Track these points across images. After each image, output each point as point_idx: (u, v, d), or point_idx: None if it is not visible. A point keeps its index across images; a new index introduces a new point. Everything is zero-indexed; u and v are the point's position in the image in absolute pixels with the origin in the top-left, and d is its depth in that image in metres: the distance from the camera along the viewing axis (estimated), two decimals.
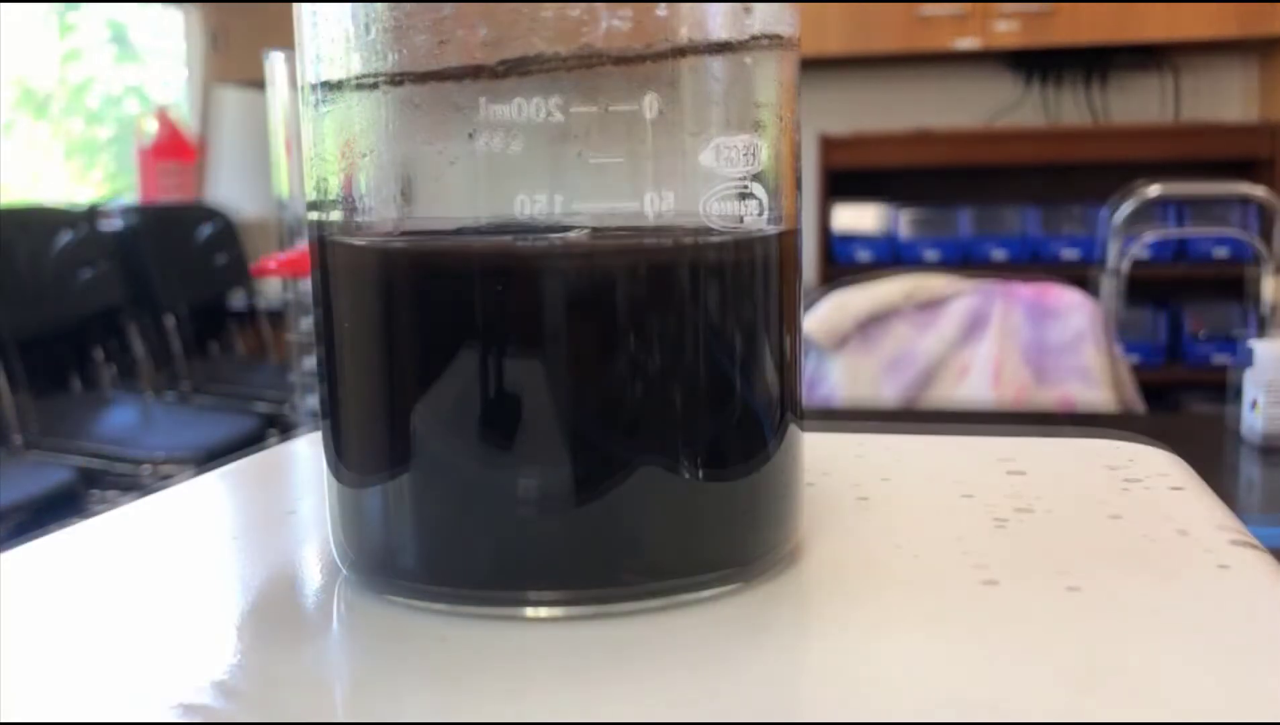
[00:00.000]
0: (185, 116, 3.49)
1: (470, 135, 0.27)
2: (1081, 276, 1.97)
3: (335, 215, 0.29)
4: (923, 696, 0.24)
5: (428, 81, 0.27)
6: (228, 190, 3.42)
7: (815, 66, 2.99)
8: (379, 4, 0.27)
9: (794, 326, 0.31)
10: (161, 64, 3.61)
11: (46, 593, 0.32)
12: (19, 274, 2.38)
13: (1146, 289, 2.64)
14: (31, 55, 3.52)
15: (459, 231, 0.28)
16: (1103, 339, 1.52)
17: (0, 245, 2.35)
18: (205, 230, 2.96)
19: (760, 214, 0.29)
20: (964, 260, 2.78)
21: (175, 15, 3.51)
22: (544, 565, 0.28)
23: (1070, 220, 2.80)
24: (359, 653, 0.27)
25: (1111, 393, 1.50)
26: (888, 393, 1.56)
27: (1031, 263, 2.77)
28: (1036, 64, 3.05)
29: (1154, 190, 1.58)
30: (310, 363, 1.12)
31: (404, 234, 0.28)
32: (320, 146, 0.29)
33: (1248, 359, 1.08)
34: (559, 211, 0.27)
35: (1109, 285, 1.59)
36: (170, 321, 2.75)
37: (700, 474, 0.28)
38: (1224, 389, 2.69)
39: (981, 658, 0.26)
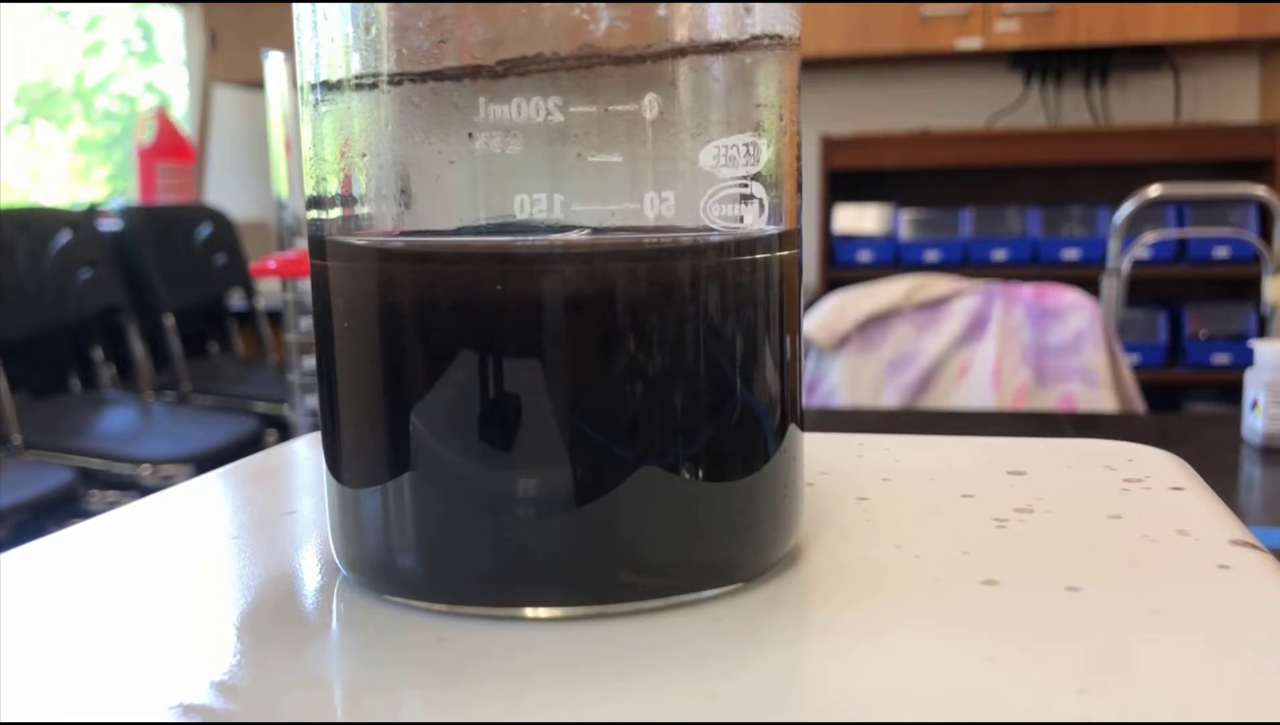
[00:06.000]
0: (184, 116, 3.49)
1: (470, 135, 0.27)
2: (1083, 277, 1.97)
3: (334, 215, 0.29)
4: (923, 697, 0.24)
5: (427, 81, 0.27)
6: (226, 191, 3.42)
7: (816, 66, 2.99)
8: (379, 4, 0.27)
9: (794, 327, 0.31)
10: (176, 65, 3.60)
11: (46, 593, 0.32)
12: (18, 274, 2.38)
13: (1148, 289, 2.64)
14: (43, 52, 3.51)
15: (459, 231, 0.28)
16: (1103, 339, 1.52)
17: None
18: (204, 230, 2.96)
19: (760, 214, 0.29)
20: (965, 261, 2.78)
21: (175, 15, 3.51)
22: (544, 566, 0.28)
23: (1071, 221, 2.80)
24: (358, 653, 0.27)
25: (1112, 393, 1.50)
26: (888, 393, 1.56)
27: (1032, 264, 2.77)
28: (1038, 64, 3.05)
29: (1155, 191, 1.58)
30: (309, 363, 1.12)
31: (403, 234, 0.28)
32: (319, 146, 0.29)
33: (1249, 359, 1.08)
34: (559, 212, 0.27)
35: (1110, 286, 1.58)
36: (169, 322, 2.75)
37: (700, 475, 0.28)
38: (1225, 389, 2.67)
39: (981, 658, 0.26)
